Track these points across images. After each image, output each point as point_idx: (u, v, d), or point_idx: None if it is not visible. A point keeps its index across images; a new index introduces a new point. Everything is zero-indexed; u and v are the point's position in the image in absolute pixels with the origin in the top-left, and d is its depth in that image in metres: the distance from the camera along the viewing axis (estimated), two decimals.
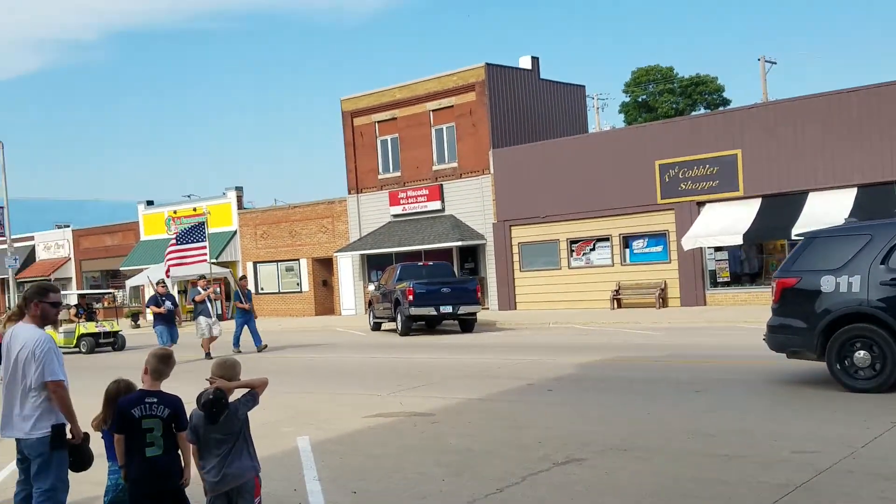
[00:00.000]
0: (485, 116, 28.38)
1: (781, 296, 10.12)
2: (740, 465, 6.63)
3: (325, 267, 34.08)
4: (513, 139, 28.95)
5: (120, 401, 4.99)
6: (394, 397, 11.11)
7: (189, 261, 21.48)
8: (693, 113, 50.21)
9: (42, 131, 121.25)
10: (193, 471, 4.98)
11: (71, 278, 43.73)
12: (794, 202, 21.86)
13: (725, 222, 22.52)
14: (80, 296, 26.78)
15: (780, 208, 21.97)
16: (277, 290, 35.25)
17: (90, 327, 22.99)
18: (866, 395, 9.20)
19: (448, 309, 21.58)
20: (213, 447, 4.73)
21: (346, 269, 32.64)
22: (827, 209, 20.96)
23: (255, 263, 35.94)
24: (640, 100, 55.18)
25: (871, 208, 20.28)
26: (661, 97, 53.92)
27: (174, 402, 4.96)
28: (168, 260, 21.91)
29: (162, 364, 5.04)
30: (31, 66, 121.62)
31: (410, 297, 21.31)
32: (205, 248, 21.07)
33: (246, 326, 19.25)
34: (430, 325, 23.11)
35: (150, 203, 40.86)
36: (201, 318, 18.44)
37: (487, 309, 27.58)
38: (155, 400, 4.90)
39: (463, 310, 21.78)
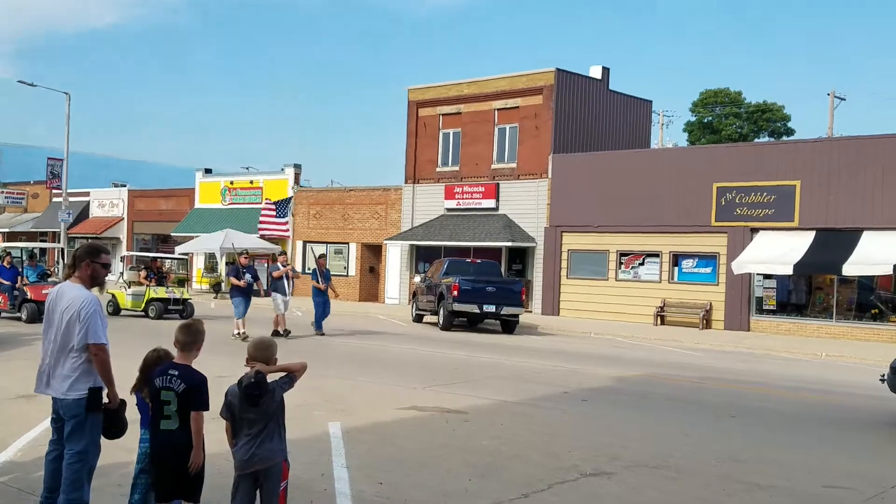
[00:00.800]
0: (549, 121, 28.34)
1: None
2: (770, 495, 6.63)
3: (373, 253, 34.41)
4: (574, 146, 28.86)
5: (156, 370, 4.97)
6: (428, 391, 11.26)
7: (273, 233, 21.50)
8: (756, 140, 49.37)
9: (109, 87, 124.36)
10: (223, 447, 4.94)
11: (121, 238, 44.49)
12: (848, 239, 21.44)
13: (777, 251, 22.18)
14: (153, 259, 25.55)
15: (833, 243, 21.58)
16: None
17: (160, 292, 22.31)
18: None
19: (491, 308, 21.68)
20: (245, 426, 4.69)
21: (395, 257, 32.92)
22: (880, 249, 20.54)
23: (304, 242, 36.38)
24: (705, 121, 54.49)
25: None
26: (727, 120, 53.16)
27: (193, 379, 4.77)
28: (262, 223, 21.35)
29: (184, 335, 4.91)
30: (108, 20, 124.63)
31: (455, 293, 21.46)
32: (287, 223, 21.27)
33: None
34: (472, 323, 23.23)
35: (208, 171, 41.34)
36: (277, 295, 18.08)
37: (531, 312, 27.59)
38: (176, 373, 4.77)
39: (506, 310, 21.86)
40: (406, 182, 32.65)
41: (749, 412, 10.63)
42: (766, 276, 23.41)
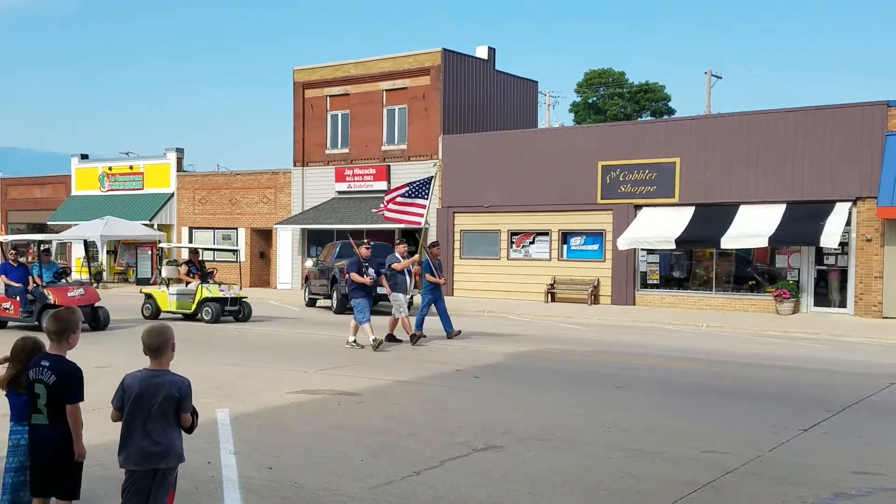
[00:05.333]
0: (437, 101, 28.34)
1: None
2: (651, 461, 6.85)
3: (263, 238, 33.66)
4: (463, 127, 29.01)
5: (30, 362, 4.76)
6: (321, 375, 11.10)
7: (406, 217, 16.68)
8: (639, 119, 51.17)
9: None
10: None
11: None
12: (726, 213, 22.49)
13: (660, 227, 23.03)
14: (193, 251, 20.95)
15: (711, 218, 22.58)
16: (212, 259, 34.66)
17: (213, 291, 18.73)
18: (781, 403, 9.59)
19: (384, 290, 21.53)
20: (147, 418, 4.41)
21: (286, 242, 32.30)
22: (756, 223, 21.65)
23: (190, 229, 35.26)
24: (590, 101, 55.95)
25: (799, 224, 21.03)
26: (611, 101, 54.78)
27: (65, 371, 4.56)
28: (388, 205, 16.89)
29: (52, 324, 4.69)
30: None
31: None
32: (425, 207, 16.21)
33: (434, 306, 15.59)
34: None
35: (84, 157, 39.67)
36: (398, 295, 14.91)
37: None
38: (47, 364, 4.59)
39: None
40: (295, 165, 32.03)
41: (633, 382, 10.99)
42: (650, 252, 24.29)
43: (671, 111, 54.62)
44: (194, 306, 18.82)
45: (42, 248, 18.34)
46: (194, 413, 4.61)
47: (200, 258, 20.70)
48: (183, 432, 4.56)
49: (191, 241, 35.14)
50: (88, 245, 19.53)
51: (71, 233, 34.17)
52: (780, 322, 19.77)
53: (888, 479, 6.46)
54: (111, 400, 4.51)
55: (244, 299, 19.20)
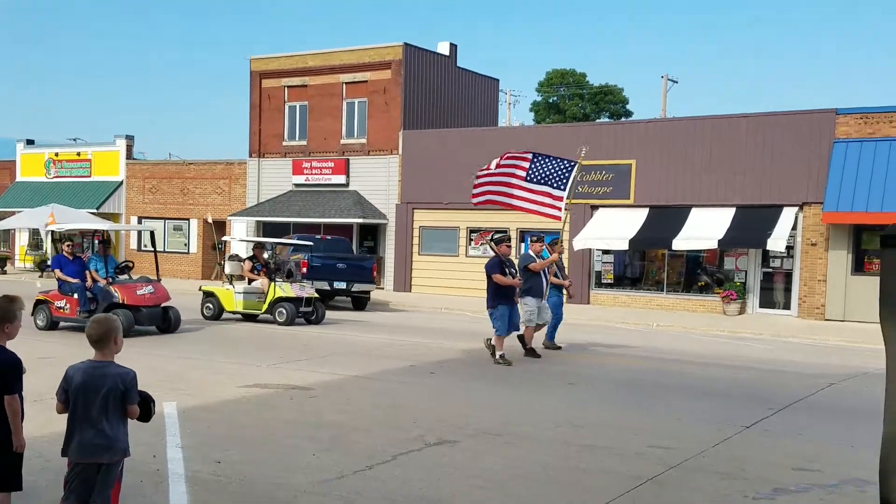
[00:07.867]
0: (398, 96, 28.30)
1: None
2: (600, 456, 6.97)
3: (217, 229, 33.18)
4: (424, 122, 29.01)
5: None
6: (274, 369, 11.03)
7: (541, 209, 13.60)
8: (596, 120, 51.78)
9: None
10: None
11: None
12: (678, 215, 22.90)
13: (614, 228, 23.35)
14: (258, 246, 19.09)
15: (664, 219, 22.97)
16: (162, 249, 34.11)
17: (287, 290, 17.06)
18: (725, 401, 9.81)
19: (342, 285, 21.51)
20: (89, 410, 4.37)
21: (240, 234, 31.91)
22: (707, 225, 22.10)
23: (139, 218, 34.64)
24: (550, 101, 56.40)
25: (747, 228, 21.53)
26: (571, 101, 55.31)
27: (3, 361, 4.49)
28: (487, 185, 14.11)
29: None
30: None
31: (304, 270, 21.11)
32: (562, 199, 13.21)
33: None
34: (322, 300, 22.92)
35: (30, 142, 38.62)
36: (529, 298, 12.64)
37: (382, 289, 27.61)
38: None
39: (357, 287, 21.75)
40: (251, 156, 31.67)
41: (586, 379, 11.15)
42: (605, 252, 24.60)
43: (629, 113, 55.39)
44: (265, 306, 17.23)
45: (100, 239, 16.23)
46: (150, 401, 4.58)
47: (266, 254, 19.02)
48: (135, 422, 4.52)
49: (139, 233, 34.54)
50: (152, 233, 17.39)
51: (15, 220, 33.31)
52: (726, 322, 20.21)
53: (825, 475, 6.67)
54: (56, 392, 4.45)
55: (317, 300, 17.79)
